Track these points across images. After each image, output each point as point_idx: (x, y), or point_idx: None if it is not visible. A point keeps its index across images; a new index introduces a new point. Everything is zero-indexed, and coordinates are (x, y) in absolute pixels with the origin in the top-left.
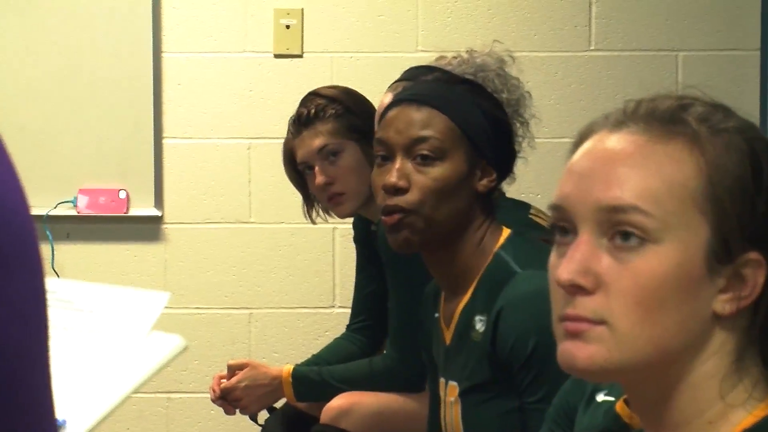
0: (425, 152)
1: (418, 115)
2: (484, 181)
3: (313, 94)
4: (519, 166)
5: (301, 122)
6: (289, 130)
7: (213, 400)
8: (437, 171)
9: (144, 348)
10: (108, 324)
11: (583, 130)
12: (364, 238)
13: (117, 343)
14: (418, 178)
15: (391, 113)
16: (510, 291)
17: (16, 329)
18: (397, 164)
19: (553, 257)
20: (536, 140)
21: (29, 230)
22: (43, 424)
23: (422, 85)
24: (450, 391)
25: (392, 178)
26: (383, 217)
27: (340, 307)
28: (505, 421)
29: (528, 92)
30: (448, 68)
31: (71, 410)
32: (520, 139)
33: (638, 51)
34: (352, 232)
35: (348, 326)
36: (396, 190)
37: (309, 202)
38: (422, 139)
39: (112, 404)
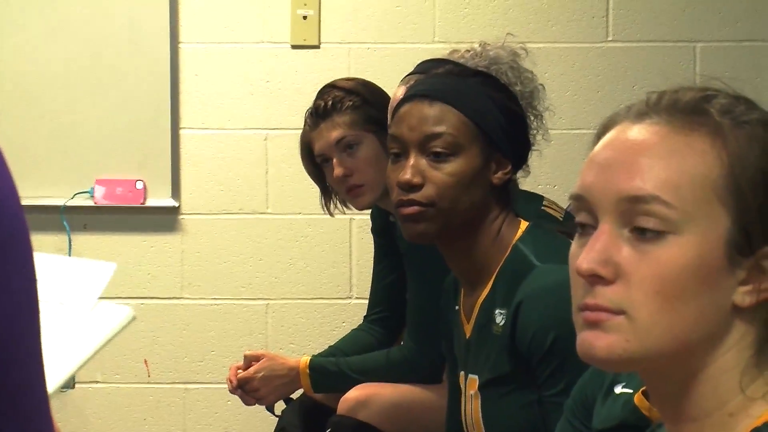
0: (439, 149)
1: (430, 110)
2: (499, 174)
3: (330, 86)
4: (534, 159)
5: (318, 114)
6: (306, 122)
7: (231, 391)
8: (452, 166)
9: (92, 318)
10: (55, 293)
11: (605, 121)
12: (382, 229)
13: (65, 313)
14: (432, 175)
15: (404, 109)
16: (529, 284)
17: (8, 313)
18: (412, 161)
19: (574, 247)
20: (553, 132)
21: (19, 219)
22: (40, 408)
23: (434, 79)
24: (470, 384)
25: (407, 175)
26: (399, 209)
27: (357, 298)
28: (525, 414)
29: (542, 85)
30: (461, 61)
31: None
32: (534, 131)
33: (656, 42)
34: (369, 222)
35: (365, 317)
36: (411, 187)
37: (327, 194)
38: (436, 135)
39: (62, 376)
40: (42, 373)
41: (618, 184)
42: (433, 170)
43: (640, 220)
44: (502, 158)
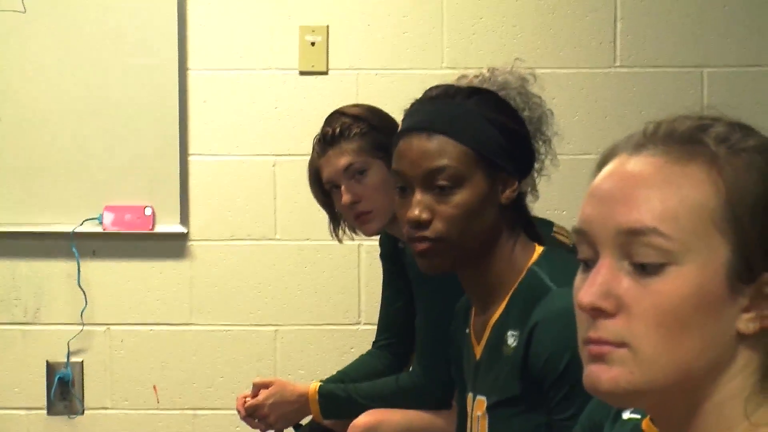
0: (443, 182)
1: (429, 144)
2: (507, 192)
3: (338, 113)
4: (543, 183)
5: (326, 141)
6: (314, 149)
7: (242, 419)
8: (458, 198)
9: None
10: None
11: (605, 153)
12: (391, 254)
13: None
14: (440, 209)
15: (403, 144)
16: (545, 307)
17: None
18: (417, 197)
19: (577, 280)
20: (561, 157)
21: None
22: None
23: (429, 107)
24: (478, 406)
25: (415, 211)
26: (411, 244)
27: (365, 323)
28: None
29: (550, 110)
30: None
31: None
32: (543, 156)
33: (663, 67)
34: (377, 248)
35: (374, 343)
36: (420, 224)
37: (335, 221)
38: (438, 170)
39: None
40: None
41: (616, 217)
42: (440, 204)
43: (639, 253)
44: (507, 177)
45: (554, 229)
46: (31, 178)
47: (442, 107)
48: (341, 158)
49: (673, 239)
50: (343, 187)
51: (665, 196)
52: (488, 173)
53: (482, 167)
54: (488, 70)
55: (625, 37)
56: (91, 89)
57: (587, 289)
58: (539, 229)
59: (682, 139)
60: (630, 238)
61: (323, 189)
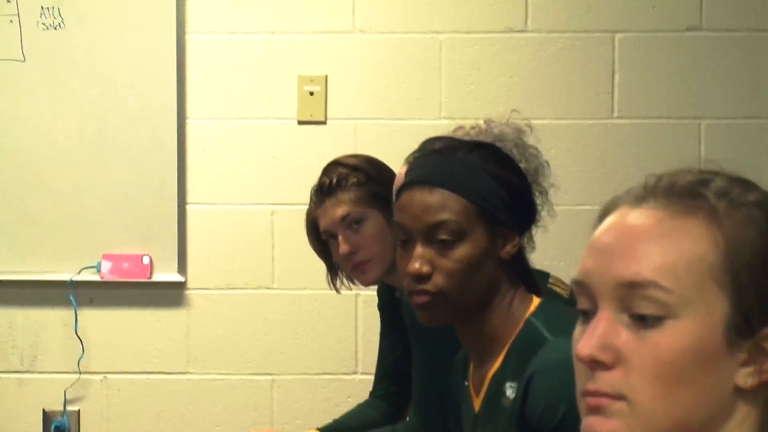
0: (444, 236)
1: (431, 198)
2: (508, 248)
3: (335, 164)
4: (539, 235)
5: (323, 192)
6: (311, 199)
7: None
8: (459, 252)
9: None
10: None
11: (606, 205)
12: (388, 304)
13: None
14: (440, 263)
15: (405, 197)
16: (541, 357)
17: None
18: (418, 250)
19: (576, 332)
20: (558, 207)
21: None
22: None
23: (431, 162)
24: None
25: (415, 265)
26: (410, 296)
27: (362, 373)
28: None
29: (546, 161)
30: (465, 138)
31: None
32: (539, 208)
33: (661, 119)
34: (374, 298)
35: (371, 392)
36: (420, 277)
37: (333, 271)
38: (439, 224)
39: None
40: None
41: (616, 269)
42: (441, 258)
43: (638, 305)
44: (507, 231)
45: (550, 280)
46: (28, 227)
47: (444, 161)
48: (338, 208)
49: (672, 293)
50: (340, 238)
51: (665, 250)
52: (489, 228)
53: (483, 222)
54: (485, 121)
55: (622, 89)
56: (89, 138)
57: (586, 341)
58: (539, 282)
59: (682, 192)
60: (629, 290)
61: (321, 239)
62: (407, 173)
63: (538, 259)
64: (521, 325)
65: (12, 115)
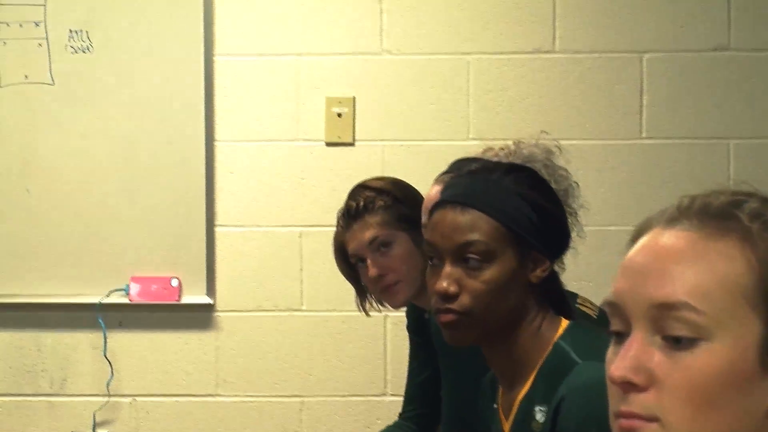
0: (473, 256)
1: (462, 218)
2: (537, 272)
3: (361, 187)
4: (569, 256)
5: (350, 215)
6: (338, 223)
7: None
8: (488, 274)
9: None
10: None
11: (639, 226)
12: (417, 326)
13: None
14: (468, 283)
15: (437, 216)
16: (571, 381)
17: None
18: (447, 269)
19: (609, 353)
20: (587, 228)
21: None
22: None
23: (465, 180)
24: None
25: (443, 284)
26: (437, 315)
27: (391, 395)
28: None
29: (576, 182)
30: (495, 159)
31: None
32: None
33: (690, 139)
34: (403, 319)
35: (400, 414)
36: (447, 296)
37: (362, 294)
38: (469, 244)
39: None
40: None
41: (649, 290)
42: (469, 278)
43: (671, 327)
44: (538, 255)
45: (578, 300)
46: (57, 249)
47: (478, 182)
48: (366, 232)
49: (705, 314)
50: (369, 261)
51: (698, 272)
52: (519, 251)
53: (513, 244)
54: (514, 142)
55: (650, 109)
56: (117, 160)
57: (619, 363)
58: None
59: (716, 214)
60: (662, 312)
61: (349, 263)
62: (442, 192)
63: (567, 280)
64: (550, 348)
65: (41, 138)
